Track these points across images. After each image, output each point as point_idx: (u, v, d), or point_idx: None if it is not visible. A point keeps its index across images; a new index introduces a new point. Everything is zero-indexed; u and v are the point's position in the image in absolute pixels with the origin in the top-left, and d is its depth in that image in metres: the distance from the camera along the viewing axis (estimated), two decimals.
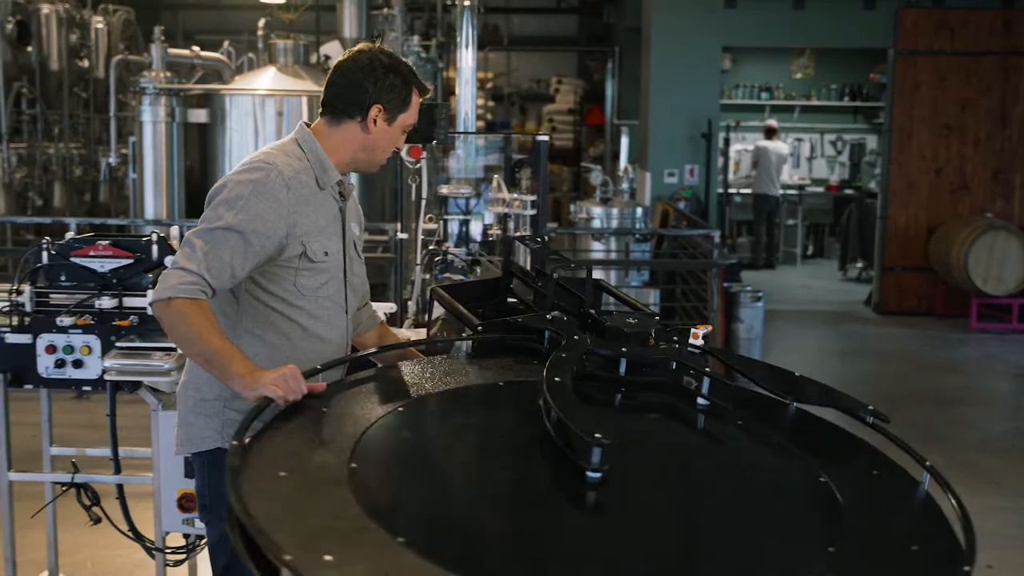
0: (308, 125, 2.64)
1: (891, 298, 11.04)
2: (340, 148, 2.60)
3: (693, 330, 2.49)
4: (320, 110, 2.63)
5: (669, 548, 1.82)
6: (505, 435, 2.15)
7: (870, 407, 2.19)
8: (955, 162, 10.97)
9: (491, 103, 18.27)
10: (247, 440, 1.97)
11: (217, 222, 2.44)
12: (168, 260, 3.54)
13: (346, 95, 2.57)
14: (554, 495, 1.92)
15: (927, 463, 2.05)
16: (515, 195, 3.74)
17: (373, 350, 2.75)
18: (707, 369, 2.23)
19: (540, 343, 2.38)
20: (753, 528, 1.88)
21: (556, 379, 2.08)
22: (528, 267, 2.85)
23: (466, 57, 5.06)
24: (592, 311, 2.43)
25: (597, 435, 1.84)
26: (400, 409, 2.16)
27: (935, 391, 8.09)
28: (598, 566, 1.71)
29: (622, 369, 2.29)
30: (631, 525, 1.83)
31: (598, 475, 1.84)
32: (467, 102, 4.82)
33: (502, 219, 3.86)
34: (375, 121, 2.58)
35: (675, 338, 2.35)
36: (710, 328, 2.63)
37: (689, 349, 2.38)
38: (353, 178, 8.20)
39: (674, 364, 2.28)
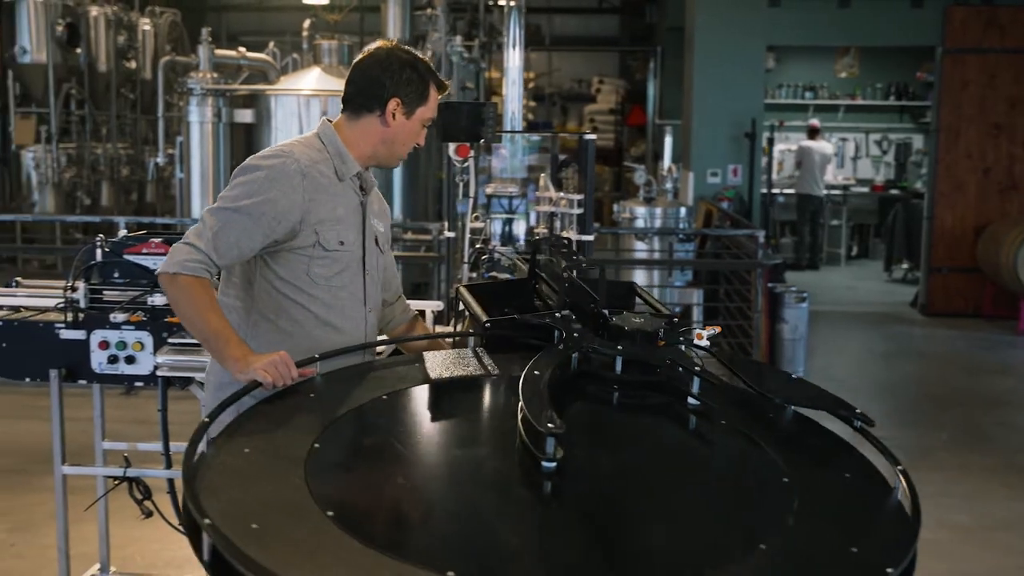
0: (330, 122, 2.71)
1: (938, 299, 10.89)
2: (360, 142, 2.67)
3: (698, 331, 2.50)
4: (341, 107, 2.70)
5: (593, 535, 1.80)
6: (479, 427, 2.19)
7: (858, 411, 2.13)
8: (1004, 162, 10.80)
9: (532, 103, 18.26)
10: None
11: (231, 202, 2.52)
12: None
13: (365, 90, 2.65)
14: (498, 481, 1.94)
15: (899, 467, 2.01)
16: (561, 194, 3.73)
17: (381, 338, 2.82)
18: (698, 369, 2.20)
19: (550, 341, 2.38)
20: (690, 521, 1.87)
21: (535, 373, 2.11)
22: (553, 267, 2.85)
23: (513, 57, 5.06)
24: (604, 310, 2.41)
25: (550, 425, 1.85)
26: (384, 398, 2.21)
27: (983, 393, 7.97)
28: (508, 548, 1.73)
29: (618, 368, 2.29)
30: (563, 512, 1.85)
31: (552, 464, 1.85)
32: (514, 102, 4.82)
33: (548, 218, 3.86)
34: (393, 115, 2.64)
35: (681, 339, 2.34)
36: (718, 330, 2.63)
37: (692, 350, 2.35)
38: (396, 178, 8.27)
39: (668, 363, 2.26)
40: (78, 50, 12.23)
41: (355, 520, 1.70)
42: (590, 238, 3.62)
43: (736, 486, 2.03)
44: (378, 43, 2.74)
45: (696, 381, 2.19)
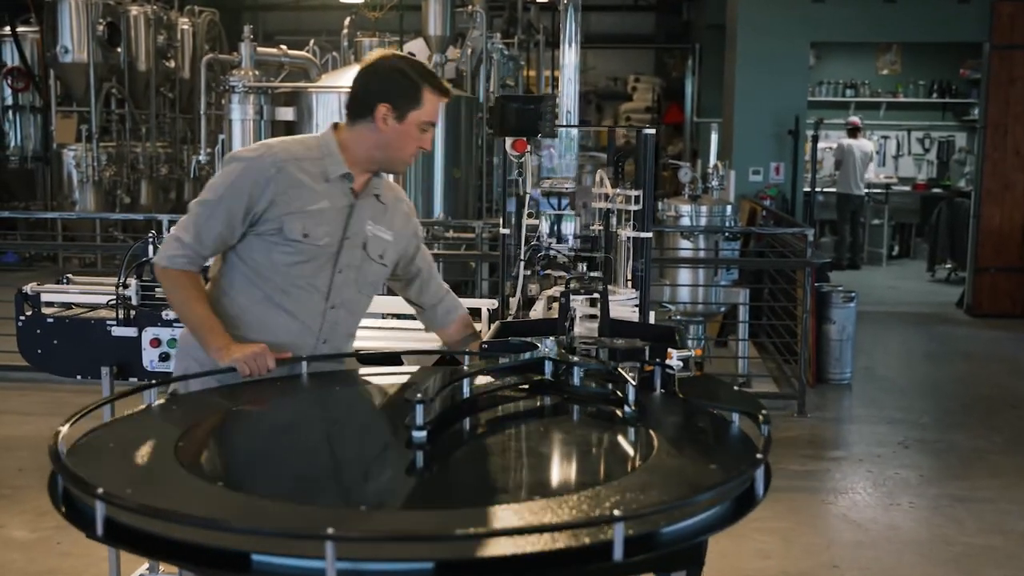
0: (336, 126, 2.81)
1: (984, 300, 10.70)
2: (355, 147, 2.73)
3: (670, 350, 2.62)
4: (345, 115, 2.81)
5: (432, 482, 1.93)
6: (388, 415, 2.35)
7: (763, 411, 2.12)
8: None
9: (577, 101, 18.15)
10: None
11: (210, 194, 2.70)
12: None
13: (357, 97, 2.73)
14: (364, 448, 2.12)
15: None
16: (618, 190, 3.65)
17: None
18: (633, 381, 2.28)
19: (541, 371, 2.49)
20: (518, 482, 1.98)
21: (442, 372, 2.33)
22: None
23: (568, 55, 5.00)
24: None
25: (418, 395, 2.01)
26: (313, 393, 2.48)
27: None
28: (348, 487, 1.94)
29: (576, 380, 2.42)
30: (410, 469, 1.95)
31: (421, 434, 1.97)
32: (569, 99, 4.75)
33: (604, 215, 3.78)
34: (385, 120, 2.69)
35: (657, 360, 2.45)
36: (694, 353, 2.75)
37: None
38: (437, 176, 8.18)
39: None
40: (118, 49, 12.30)
41: (225, 474, 1.94)
42: (649, 235, 3.53)
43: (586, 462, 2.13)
44: (376, 52, 2.84)
45: (631, 391, 2.27)
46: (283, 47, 8.67)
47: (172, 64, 13.32)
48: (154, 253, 3.65)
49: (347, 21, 9.50)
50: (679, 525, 1.68)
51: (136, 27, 12.61)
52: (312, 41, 9.67)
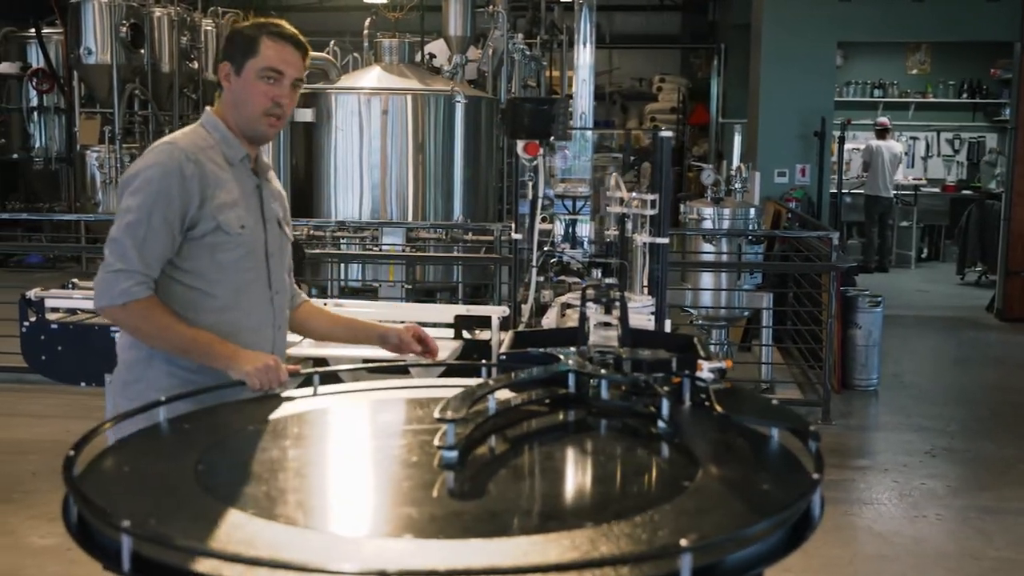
0: (209, 109, 2.71)
1: (1016, 304, 10.49)
2: (225, 117, 2.66)
3: (700, 361, 2.52)
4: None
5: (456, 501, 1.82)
6: (418, 429, 2.21)
7: (811, 428, 2.00)
8: None
9: (592, 102, 18.06)
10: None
11: (137, 213, 2.49)
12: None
13: (216, 69, 2.68)
14: (392, 469, 1.98)
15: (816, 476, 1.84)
16: (634, 194, 3.55)
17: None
18: (665, 393, 2.18)
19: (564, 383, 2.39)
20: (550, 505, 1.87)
21: (476, 386, 2.16)
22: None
23: (583, 55, 4.90)
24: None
25: (448, 413, 1.92)
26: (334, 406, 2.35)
27: None
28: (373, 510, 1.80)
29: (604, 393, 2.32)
30: (442, 492, 1.84)
31: (452, 454, 1.88)
32: (584, 100, 4.66)
33: (619, 220, 3.68)
34: (228, 78, 2.63)
35: (686, 372, 2.35)
36: (727, 365, 2.64)
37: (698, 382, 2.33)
38: (457, 178, 8.13)
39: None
40: (142, 51, 12.30)
41: (253, 499, 1.75)
42: (665, 241, 3.43)
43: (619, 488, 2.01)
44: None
45: (665, 404, 2.17)
46: None
47: (195, 65, 13.33)
48: None
49: (367, 22, 9.45)
50: (742, 554, 1.58)
51: (159, 28, 12.62)
52: (332, 42, 9.62)
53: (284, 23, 2.69)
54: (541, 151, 3.49)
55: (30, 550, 4.62)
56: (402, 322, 3.89)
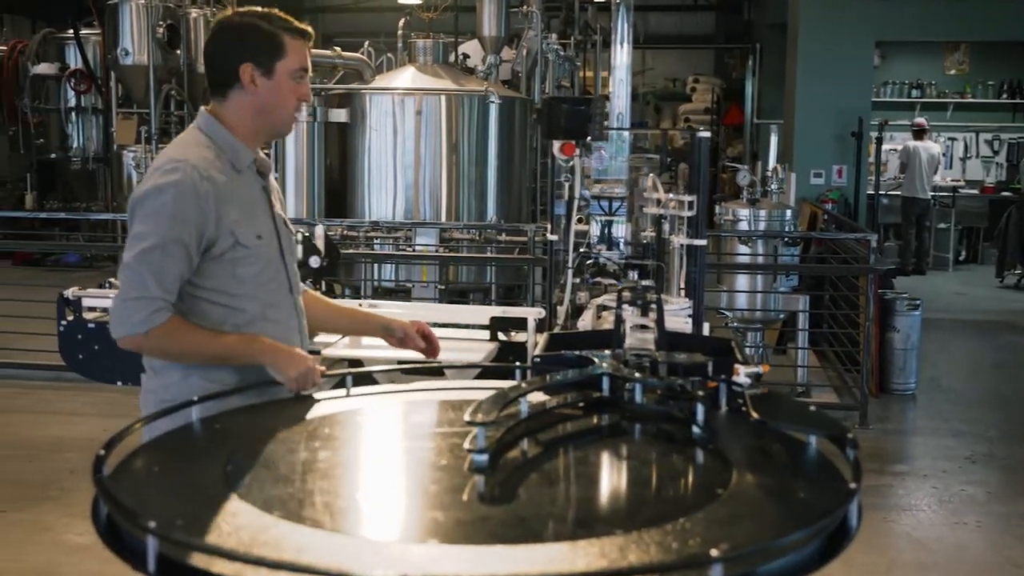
0: (207, 111, 2.56)
1: None
2: (238, 121, 2.53)
3: (737, 365, 2.52)
4: (210, 95, 2.58)
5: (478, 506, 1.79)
6: (449, 431, 2.17)
7: (849, 435, 1.97)
8: None
9: (629, 102, 17.98)
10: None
11: (152, 239, 2.39)
12: (313, 261, 3.48)
13: (217, 67, 2.53)
14: (422, 472, 1.95)
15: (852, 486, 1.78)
16: (671, 195, 3.51)
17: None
18: (701, 398, 2.14)
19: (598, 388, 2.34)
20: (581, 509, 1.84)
21: (508, 388, 2.12)
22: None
23: (620, 55, 4.85)
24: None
25: (479, 416, 1.89)
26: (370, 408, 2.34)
27: None
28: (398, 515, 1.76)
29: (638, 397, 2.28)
30: (468, 495, 1.81)
31: (483, 458, 1.86)
32: (621, 100, 4.62)
33: (656, 221, 3.64)
34: (253, 80, 2.49)
35: (723, 376, 2.32)
36: (762, 369, 2.57)
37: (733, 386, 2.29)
38: (490, 178, 8.07)
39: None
40: (178, 51, 12.39)
41: (279, 504, 1.73)
42: (703, 243, 3.39)
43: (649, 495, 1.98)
44: (217, 16, 2.62)
45: (699, 408, 2.13)
46: (337, 48, 8.63)
47: None
48: None
49: (401, 22, 9.45)
50: (775, 565, 1.54)
51: (195, 29, 12.69)
52: (367, 43, 9.63)
53: (280, 13, 2.57)
54: (577, 151, 3.45)
55: (66, 548, 4.66)
56: (438, 324, 3.89)
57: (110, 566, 1.66)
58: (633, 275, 3.45)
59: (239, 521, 1.63)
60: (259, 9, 2.57)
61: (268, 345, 2.45)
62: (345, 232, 7.73)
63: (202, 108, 2.59)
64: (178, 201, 2.40)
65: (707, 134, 3.37)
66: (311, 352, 2.56)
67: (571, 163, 3.43)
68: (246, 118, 2.53)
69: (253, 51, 2.49)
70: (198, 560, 1.50)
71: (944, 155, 14.77)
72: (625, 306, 2.86)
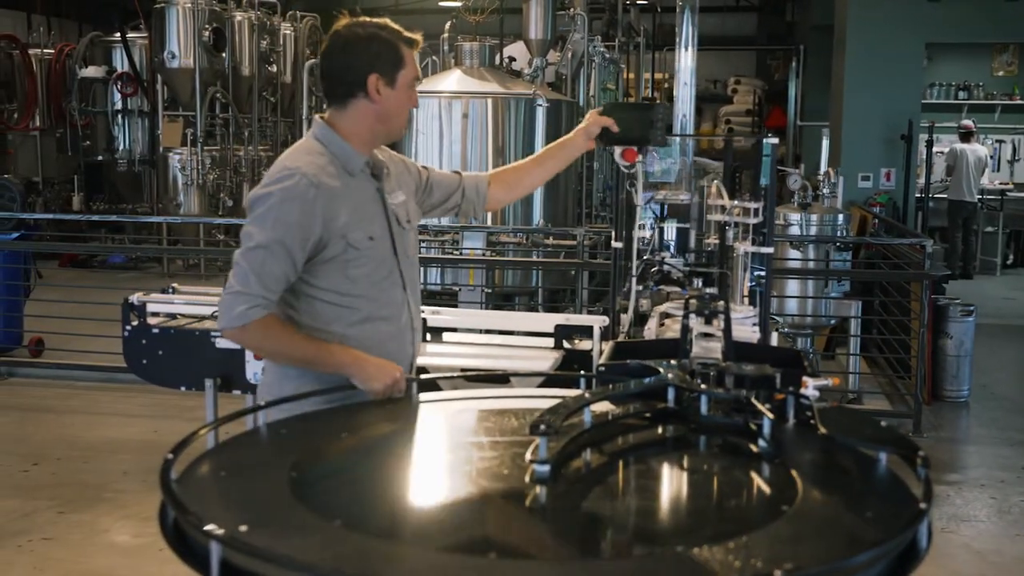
0: (323, 119, 2.63)
1: None
2: (356, 129, 2.60)
3: (805, 378, 2.48)
4: (326, 103, 2.64)
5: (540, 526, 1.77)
6: (512, 440, 2.15)
7: (920, 452, 1.90)
8: None
9: (693, 106, 17.89)
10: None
11: (259, 238, 2.48)
12: None
13: (341, 78, 2.59)
14: (485, 482, 1.91)
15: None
16: (736, 202, 3.47)
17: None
18: (768, 412, 2.10)
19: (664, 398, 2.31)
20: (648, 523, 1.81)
21: (574, 397, 2.09)
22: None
23: (685, 58, 4.80)
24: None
25: (542, 426, 1.85)
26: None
27: None
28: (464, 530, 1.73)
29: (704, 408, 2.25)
30: (532, 510, 1.80)
31: (544, 468, 1.83)
32: (685, 104, 4.58)
33: (720, 228, 3.60)
34: (378, 90, 2.57)
35: (790, 389, 2.26)
36: (833, 382, 2.50)
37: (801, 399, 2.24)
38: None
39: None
40: (223, 55, 12.50)
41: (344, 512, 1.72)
42: (770, 250, 3.35)
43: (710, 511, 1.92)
44: (335, 27, 2.64)
45: (766, 423, 2.09)
46: None
47: (274, 69, 13.50)
48: None
49: (447, 25, 9.45)
50: None
51: (240, 33, 12.81)
52: None
53: (392, 23, 2.66)
54: (640, 157, 3.41)
55: (123, 549, 4.69)
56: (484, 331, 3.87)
57: (167, 567, 1.66)
58: (697, 282, 3.41)
59: (302, 529, 1.64)
60: (373, 19, 2.65)
61: (354, 356, 2.50)
62: None
63: (316, 116, 2.66)
64: (284, 206, 2.47)
65: (775, 140, 3.32)
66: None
67: (633, 170, 3.38)
68: (365, 126, 2.60)
69: (377, 62, 2.57)
70: (261, 567, 1.50)
71: (991, 157, 14.56)
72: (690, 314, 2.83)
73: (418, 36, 2.67)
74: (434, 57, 9.88)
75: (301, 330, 2.59)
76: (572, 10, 9.22)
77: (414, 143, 8.12)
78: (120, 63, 13.65)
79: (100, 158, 13.91)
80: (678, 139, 4.46)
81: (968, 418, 7.13)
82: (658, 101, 8.81)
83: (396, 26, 2.63)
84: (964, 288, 12.02)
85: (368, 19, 2.64)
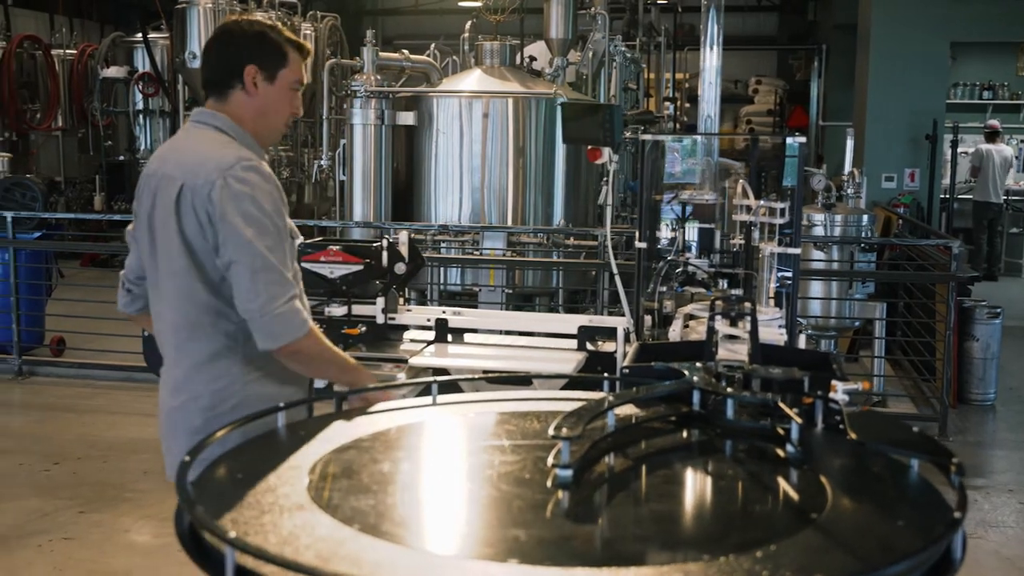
0: (213, 112, 2.57)
1: None
2: (243, 122, 2.54)
3: (834, 382, 2.43)
4: (206, 96, 2.59)
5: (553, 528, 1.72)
6: (534, 444, 2.10)
7: (955, 459, 1.86)
8: None
9: (687, 104, 17.82)
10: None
11: (268, 224, 2.42)
12: (398, 268, 3.45)
13: (221, 66, 2.54)
14: (505, 487, 1.86)
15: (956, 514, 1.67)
16: (762, 202, 3.42)
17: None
18: (796, 416, 2.02)
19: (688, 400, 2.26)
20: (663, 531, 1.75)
21: (599, 400, 2.06)
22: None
23: (710, 57, 4.75)
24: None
25: (564, 430, 1.82)
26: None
27: None
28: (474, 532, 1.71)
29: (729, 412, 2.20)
30: (548, 513, 1.75)
31: (567, 473, 1.79)
32: (710, 104, 4.53)
33: (746, 228, 3.55)
34: (255, 83, 2.51)
35: (819, 393, 2.21)
36: (863, 386, 2.46)
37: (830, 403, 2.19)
38: (558, 182, 7.99)
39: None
40: None
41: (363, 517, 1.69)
42: (797, 251, 3.30)
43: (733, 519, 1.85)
44: (225, 19, 2.64)
45: (795, 427, 2.01)
46: (404, 51, 8.63)
47: None
48: None
49: (468, 25, 9.42)
50: None
51: None
52: (433, 45, 9.62)
53: (283, 28, 2.61)
54: (607, 156, 3.36)
55: (143, 550, 4.68)
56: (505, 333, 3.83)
57: (187, 568, 1.64)
58: (723, 284, 3.36)
59: (318, 533, 1.61)
60: (262, 19, 2.62)
61: (354, 367, 2.54)
62: (412, 235, 7.72)
63: (199, 109, 2.58)
64: (272, 190, 2.46)
65: (803, 139, 3.27)
66: (400, 361, 2.54)
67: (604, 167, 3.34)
68: (247, 119, 2.55)
69: (261, 56, 2.51)
70: (276, 572, 1.48)
71: (1017, 158, 14.41)
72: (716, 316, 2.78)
73: (309, 45, 2.64)
74: (454, 57, 9.85)
75: (228, 341, 2.51)
76: (593, 9, 9.17)
77: (435, 143, 8.10)
78: (142, 63, 13.69)
79: (122, 158, 13.96)
80: (700, 139, 4.41)
81: (995, 421, 7.04)
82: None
83: (290, 33, 2.60)
84: (989, 290, 11.89)
85: (261, 20, 2.61)
